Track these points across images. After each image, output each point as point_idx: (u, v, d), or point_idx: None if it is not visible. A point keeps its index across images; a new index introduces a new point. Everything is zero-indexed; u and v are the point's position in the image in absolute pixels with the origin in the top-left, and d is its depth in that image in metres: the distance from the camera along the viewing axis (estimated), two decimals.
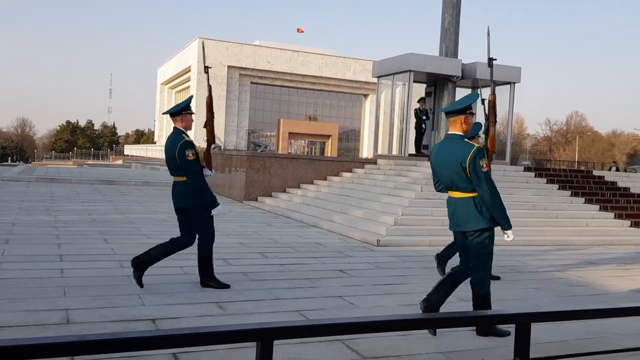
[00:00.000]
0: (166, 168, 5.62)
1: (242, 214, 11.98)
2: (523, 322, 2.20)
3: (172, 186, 5.37)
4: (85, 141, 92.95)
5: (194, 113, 5.45)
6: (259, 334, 1.63)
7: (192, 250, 7.19)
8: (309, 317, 4.58)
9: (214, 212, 5.35)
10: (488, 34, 5.83)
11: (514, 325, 2.29)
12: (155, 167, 30.79)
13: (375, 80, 17.33)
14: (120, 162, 56.04)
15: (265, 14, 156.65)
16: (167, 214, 11.07)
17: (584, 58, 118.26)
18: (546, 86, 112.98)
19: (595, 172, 13.99)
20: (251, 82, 52.65)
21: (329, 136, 48.53)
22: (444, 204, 11.53)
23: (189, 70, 53.03)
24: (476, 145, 4.17)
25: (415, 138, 15.96)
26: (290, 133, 46.55)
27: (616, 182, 13.28)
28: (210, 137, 5.54)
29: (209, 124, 5.59)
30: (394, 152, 16.07)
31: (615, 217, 11.42)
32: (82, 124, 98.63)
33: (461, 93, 16.37)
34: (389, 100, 16.60)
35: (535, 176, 13.11)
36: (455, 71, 15.18)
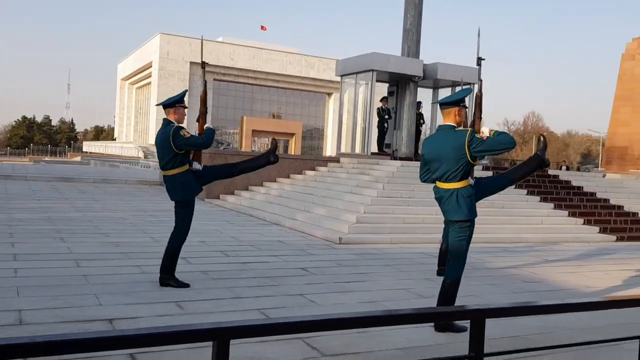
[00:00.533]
0: (126, 165, 5.55)
1: (204, 212, 11.86)
2: (477, 318, 2.25)
3: (165, 180, 5.40)
4: (42, 137, 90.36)
5: (187, 107, 5.49)
6: (214, 333, 1.62)
7: (151, 249, 7.10)
8: (270, 316, 4.58)
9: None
10: (478, 35, 6.08)
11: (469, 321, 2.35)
12: (114, 164, 30.18)
13: (338, 79, 17.41)
14: (78, 158, 54.69)
15: (228, 10, 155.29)
16: (126, 212, 10.88)
17: (540, 60, 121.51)
18: (505, 87, 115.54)
19: (551, 172, 14.42)
20: (214, 79, 52.14)
21: (292, 134, 48.48)
22: (406, 202, 11.68)
23: (150, 66, 52.17)
24: (469, 129, 4.45)
25: (378, 137, 16.12)
26: (253, 131, 46.30)
27: (570, 181, 13.70)
28: (201, 129, 5.55)
29: (202, 118, 5.61)
30: (357, 150, 16.19)
31: (569, 215, 11.78)
32: (39, 119, 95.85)
33: (422, 93, 16.61)
34: (352, 99, 16.70)
35: (493, 175, 13.39)
36: (417, 71, 15.38)
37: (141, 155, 44.18)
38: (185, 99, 5.59)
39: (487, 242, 9.56)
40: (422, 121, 16.52)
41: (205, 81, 5.91)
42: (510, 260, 8.06)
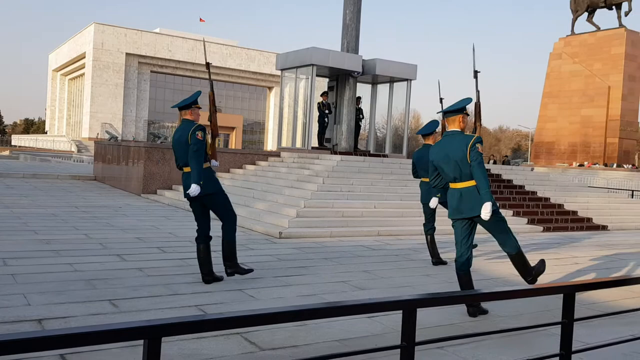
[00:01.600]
0: (58, 159, 5.36)
1: (140, 207, 11.57)
2: (409, 307, 2.32)
3: (184, 178, 5.53)
4: None
5: (201, 107, 5.63)
6: (144, 331, 1.59)
7: (84, 247, 6.87)
8: (208, 312, 4.54)
9: (190, 191, 5.39)
10: (473, 50, 6.54)
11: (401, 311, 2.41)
12: (46, 159, 28.90)
13: (279, 72, 17.35)
14: (7, 153, 51.94)
15: (165, 1, 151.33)
16: (58, 208, 10.46)
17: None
18: (441, 82, 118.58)
19: (490, 167, 14.92)
20: (151, 71, 50.79)
21: (233, 128, 47.99)
22: (345, 196, 11.79)
23: (84, 57, 50.19)
24: (476, 134, 4.90)
25: (318, 131, 16.20)
26: None
27: (501, 175, 14.24)
28: (215, 130, 5.78)
29: (213, 118, 5.86)
30: (298, 145, 16.22)
31: (500, 207, 12.24)
32: None
33: (361, 88, 16.83)
34: (292, 94, 16.71)
35: None
36: (356, 67, 15.54)
37: (74, 149, 42.50)
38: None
39: (422, 233, 9.80)
40: (361, 116, 16.73)
41: (212, 81, 6.18)
42: (445, 251, 8.30)
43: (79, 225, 8.58)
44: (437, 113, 5.25)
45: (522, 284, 5.55)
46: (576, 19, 44.52)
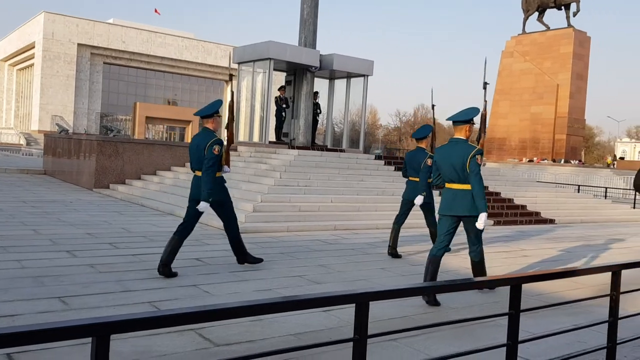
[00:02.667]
0: (5, 152, 5.19)
1: (92, 202, 11.29)
2: (361, 301, 2.35)
3: (194, 181, 5.80)
4: None
5: (221, 116, 5.95)
6: (92, 329, 1.57)
7: (33, 243, 6.66)
8: (161, 308, 4.48)
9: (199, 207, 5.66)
10: (485, 63, 7.09)
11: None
12: None
13: (236, 66, 17.19)
14: None
15: None
16: (4, 202, 10.10)
17: (429, 53, 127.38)
18: (397, 79, 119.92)
19: None
20: (104, 62, 49.43)
21: (189, 122, 47.26)
22: (302, 190, 11.82)
23: (33, 47, 48.39)
24: (477, 146, 5.34)
25: (276, 126, 16.15)
26: (147, 117, 44.58)
27: None
28: (231, 137, 6.12)
29: (231, 126, 6.25)
30: (255, 139, 16.12)
31: None
32: None
33: (319, 83, 16.85)
34: (250, 87, 16.58)
35: (385, 164, 13.93)
36: (314, 61, 15.55)
37: (23, 142, 41.01)
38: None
39: (378, 227, 9.94)
40: (319, 111, 16.77)
41: (233, 92, 6.52)
42: (400, 245, 8.43)
43: (27, 221, 8.31)
44: (447, 120, 5.58)
45: (471, 277, 5.70)
46: (527, 18, 45.77)
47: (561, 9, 44.07)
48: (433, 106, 8.08)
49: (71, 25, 46.78)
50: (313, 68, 15.69)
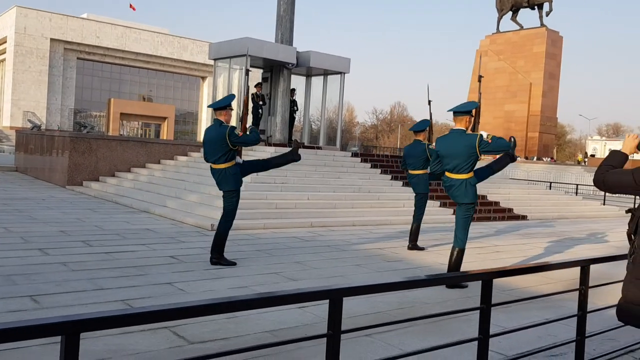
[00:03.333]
0: None
1: (64, 199, 11.12)
2: (335, 297, 2.37)
3: (215, 172, 6.14)
4: None
5: (232, 109, 6.26)
6: (61, 327, 1.55)
7: (4, 241, 6.53)
8: (134, 306, 4.44)
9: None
10: (480, 58, 7.41)
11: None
12: None
13: (212, 62, 17.07)
14: None
15: None
16: None
17: (405, 52, 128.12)
18: (374, 77, 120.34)
19: None
20: (78, 58, 48.58)
21: (164, 118, 46.78)
22: (279, 187, 11.80)
23: (5, 42, 47.31)
24: (478, 133, 5.63)
25: (252, 123, 16.09)
26: (122, 114, 43.96)
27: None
28: (244, 130, 6.26)
29: (244, 119, 6.58)
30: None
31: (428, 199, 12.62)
32: None
33: (296, 80, 16.84)
34: (226, 84, 16.48)
35: (362, 161, 14.00)
36: (291, 58, 15.53)
37: None
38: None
39: (354, 224, 9.99)
40: (295, 108, 16.76)
41: (248, 86, 7.03)
42: (376, 241, 8.50)
43: None
44: (448, 111, 5.94)
45: (445, 273, 5.76)
46: (501, 17, 46.34)
47: (534, 9, 44.71)
48: (429, 102, 8.42)
49: (44, 19, 45.89)
50: (290, 65, 15.67)
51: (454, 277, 2.91)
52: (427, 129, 8.03)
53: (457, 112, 5.66)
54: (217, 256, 6.11)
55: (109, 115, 43.45)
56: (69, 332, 1.57)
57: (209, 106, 6.83)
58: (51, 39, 46.17)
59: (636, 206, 3.01)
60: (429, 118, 8.25)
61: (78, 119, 46.63)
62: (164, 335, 3.78)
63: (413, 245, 7.92)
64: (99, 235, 7.46)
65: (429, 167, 7.39)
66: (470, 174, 5.66)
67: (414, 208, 8.13)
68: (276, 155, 6.86)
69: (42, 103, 46.10)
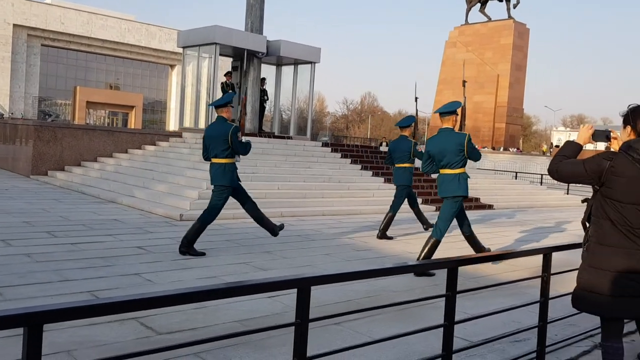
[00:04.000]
0: None
1: (28, 189, 10.86)
2: (303, 286, 2.38)
3: (213, 167, 6.30)
4: None
5: (233, 106, 6.63)
6: (23, 319, 1.53)
7: None
8: (100, 297, 4.38)
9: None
10: (463, 65, 7.88)
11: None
12: None
13: (181, 50, 16.83)
14: None
15: None
16: None
17: (375, 44, 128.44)
18: (344, 67, 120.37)
19: (382, 148, 15.44)
20: (42, 45, 47.23)
21: (132, 107, 45.93)
22: (249, 177, 11.78)
23: None
24: (467, 133, 6.02)
25: None
26: (88, 102, 43.02)
27: None
28: (242, 129, 6.61)
29: (242, 119, 7.20)
30: (201, 125, 15.89)
31: None
32: None
33: (266, 69, 16.74)
34: (195, 72, 16.29)
35: (332, 151, 14.04)
36: (261, 47, 15.42)
37: None
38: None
39: (324, 214, 10.03)
40: (266, 97, 16.67)
41: (246, 87, 7.37)
42: (345, 230, 8.55)
43: None
44: (434, 113, 6.46)
45: (412, 261, 5.85)
46: (470, 9, 46.79)
47: (502, 1, 45.26)
48: (416, 99, 8.67)
49: (6, 4, 44.43)
50: (260, 54, 15.56)
51: (420, 265, 2.96)
52: (413, 124, 8.21)
53: (444, 112, 5.96)
54: (187, 246, 6.08)
55: (75, 103, 42.47)
56: (32, 323, 1.55)
57: (210, 105, 7.34)
58: (14, 25, 44.78)
59: (590, 196, 3.10)
60: (414, 114, 8.57)
61: (43, 107, 45.46)
62: (131, 326, 3.74)
63: (382, 235, 7.98)
64: (64, 225, 7.32)
65: (415, 163, 7.89)
66: (463, 170, 5.94)
67: (393, 198, 8.28)
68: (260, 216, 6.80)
69: (4, 91, 44.77)
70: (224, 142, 6.17)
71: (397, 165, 8.22)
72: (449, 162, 5.92)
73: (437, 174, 6.11)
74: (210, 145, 6.27)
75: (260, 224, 6.70)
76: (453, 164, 5.92)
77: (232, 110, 6.50)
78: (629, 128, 2.96)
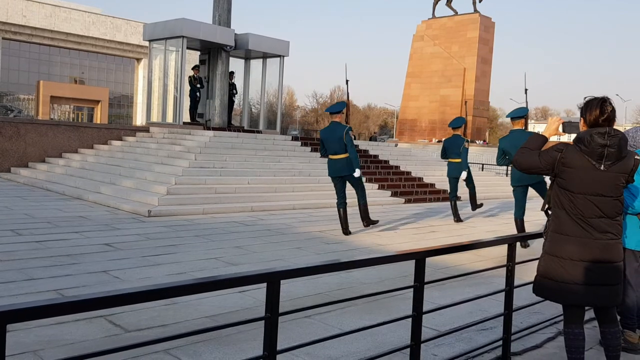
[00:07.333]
0: None
1: None
2: (272, 280, 2.39)
3: (334, 162, 7.61)
4: None
5: (344, 112, 7.87)
6: None
7: None
8: (67, 296, 4.31)
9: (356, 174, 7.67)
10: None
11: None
12: None
13: (147, 44, 16.56)
14: None
15: None
16: None
17: (344, 38, 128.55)
18: (313, 60, 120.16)
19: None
20: (3, 38, 45.83)
21: (98, 101, 45.11)
22: (218, 172, 11.69)
23: None
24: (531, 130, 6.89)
25: (190, 106, 15.77)
26: (52, 97, 42.07)
27: (368, 150, 14.90)
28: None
29: (348, 121, 8.25)
30: (169, 120, 15.68)
31: (366, 181, 12.83)
32: None
33: (235, 63, 16.60)
34: (162, 66, 16.06)
35: (301, 145, 14.03)
36: (228, 40, 15.29)
37: None
38: None
39: (294, 208, 10.03)
40: (234, 91, 16.55)
41: (348, 93, 8.06)
42: (315, 224, 8.58)
43: None
44: (506, 117, 7.72)
45: (381, 253, 5.90)
46: (437, 2, 47.20)
47: None
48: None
49: None
50: (228, 47, 15.42)
51: (387, 257, 2.99)
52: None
53: (514, 117, 7.37)
54: (367, 220, 7.94)
55: (38, 98, 41.47)
56: None
57: (326, 110, 8.11)
58: None
59: (548, 187, 3.20)
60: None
61: (4, 102, 44.17)
62: (99, 324, 3.70)
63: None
64: (29, 223, 7.16)
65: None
66: None
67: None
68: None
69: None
70: (340, 140, 7.45)
71: (450, 160, 9.64)
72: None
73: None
74: (328, 146, 7.58)
75: (362, 213, 8.00)
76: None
77: (343, 116, 7.82)
78: (582, 120, 3.07)
